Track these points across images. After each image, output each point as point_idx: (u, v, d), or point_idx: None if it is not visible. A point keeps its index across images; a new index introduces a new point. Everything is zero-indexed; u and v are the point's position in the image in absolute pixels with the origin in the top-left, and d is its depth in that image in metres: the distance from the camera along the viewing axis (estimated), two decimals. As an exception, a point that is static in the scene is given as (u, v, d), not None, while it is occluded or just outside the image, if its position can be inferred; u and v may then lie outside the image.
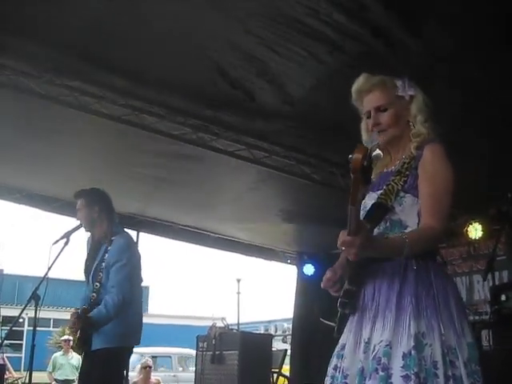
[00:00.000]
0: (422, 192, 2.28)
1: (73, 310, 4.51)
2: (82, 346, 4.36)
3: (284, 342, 17.18)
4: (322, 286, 2.36)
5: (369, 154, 1.91)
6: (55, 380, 11.02)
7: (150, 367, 10.58)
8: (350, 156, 1.89)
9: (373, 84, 2.42)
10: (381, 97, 2.40)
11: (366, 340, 2.21)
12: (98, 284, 4.29)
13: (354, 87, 2.47)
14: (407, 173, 2.32)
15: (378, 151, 2.00)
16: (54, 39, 4.65)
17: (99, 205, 4.46)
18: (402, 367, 2.07)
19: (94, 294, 4.28)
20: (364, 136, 2.49)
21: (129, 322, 4.31)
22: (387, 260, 2.24)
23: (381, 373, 2.09)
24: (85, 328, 4.17)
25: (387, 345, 2.12)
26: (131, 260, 4.38)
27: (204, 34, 4.40)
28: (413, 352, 2.08)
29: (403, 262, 2.23)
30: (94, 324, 4.15)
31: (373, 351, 2.16)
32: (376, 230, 2.30)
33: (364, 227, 2.05)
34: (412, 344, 2.09)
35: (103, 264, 4.30)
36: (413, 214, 2.28)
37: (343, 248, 2.07)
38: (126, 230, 4.70)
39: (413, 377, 2.04)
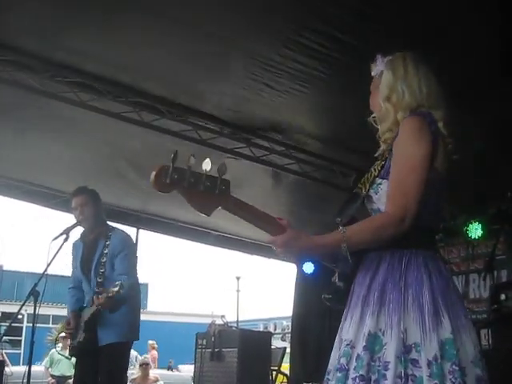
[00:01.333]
0: (390, 174, 2.06)
1: (72, 313, 4.49)
2: (87, 342, 4.31)
3: (283, 340, 17.18)
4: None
5: (166, 172, 1.81)
6: (51, 376, 11.03)
7: (148, 364, 10.62)
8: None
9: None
10: (372, 82, 2.30)
11: (343, 339, 2.09)
12: (101, 278, 4.30)
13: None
14: (386, 156, 2.13)
15: (206, 160, 1.83)
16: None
17: (100, 202, 4.57)
18: (353, 369, 1.94)
19: (100, 288, 4.29)
20: None
21: (135, 312, 4.43)
22: (366, 252, 2.09)
23: (338, 374, 1.99)
24: (109, 304, 4.10)
25: (348, 344, 2.00)
26: (135, 252, 4.59)
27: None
28: (362, 353, 1.94)
29: (378, 253, 2.06)
30: (115, 305, 4.14)
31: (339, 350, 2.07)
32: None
33: (287, 226, 1.98)
34: (363, 344, 1.95)
35: (104, 258, 4.32)
36: None
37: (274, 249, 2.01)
38: (125, 227, 4.85)
39: (357, 380, 1.91)
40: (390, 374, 1.87)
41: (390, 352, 1.90)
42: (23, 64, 5.10)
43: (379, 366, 1.90)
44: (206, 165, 1.82)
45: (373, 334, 1.95)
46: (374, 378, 1.90)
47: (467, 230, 7.28)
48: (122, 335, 4.27)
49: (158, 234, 9.34)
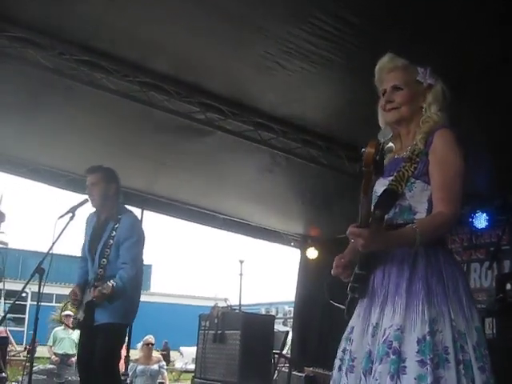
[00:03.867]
0: (433, 178, 2.28)
1: (73, 285, 4.56)
2: (86, 321, 4.39)
3: (285, 324, 17.31)
4: (332, 273, 2.40)
5: (381, 148, 1.95)
6: (55, 354, 11.13)
7: (152, 344, 10.65)
8: (363, 149, 1.95)
9: (395, 65, 2.47)
10: (399, 76, 2.45)
11: (374, 324, 2.23)
12: (104, 260, 4.32)
13: (378, 66, 2.52)
14: (417, 159, 2.33)
15: (390, 144, 2.03)
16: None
17: (115, 183, 4.54)
18: (416, 352, 2.09)
19: (101, 270, 4.33)
20: (380, 115, 2.53)
21: (133, 299, 4.42)
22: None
23: (392, 356, 2.12)
24: (103, 298, 4.15)
25: (398, 329, 2.15)
26: (142, 239, 4.51)
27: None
28: (428, 338, 2.11)
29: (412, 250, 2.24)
30: (113, 297, 4.16)
31: (383, 335, 2.18)
32: (385, 217, 2.30)
33: (374, 219, 2.09)
34: (427, 330, 2.11)
35: (111, 241, 4.32)
36: (422, 200, 2.31)
37: (352, 239, 2.11)
38: (130, 208, 4.80)
39: (429, 362, 2.07)
40: (451, 357, 2.10)
41: (447, 338, 2.13)
42: (30, 40, 5.07)
43: (437, 350, 2.11)
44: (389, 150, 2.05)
45: (432, 321, 2.14)
46: (435, 361, 2.09)
47: (473, 220, 7.25)
48: (116, 317, 4.29)
49: (163, 216, 9.32)
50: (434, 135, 2.33)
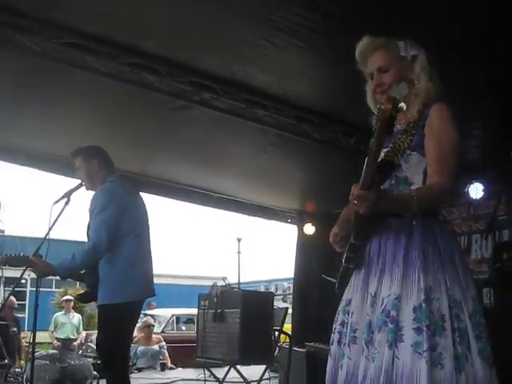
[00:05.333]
0: (429, 151, 2.32)
1: None
2: (84, 298, 4.38)
3: (284, 301, 17.38)
4: (330, 240, 2.43)
5: (396, 105, 1.95)
6: (56, 339, 11.19)
7: (153, 325, 10.71)
8: (379, 107, 1.98)
9: (375, 46, 2.47)
10: (382, 58, 2.45)
11: (373, 294, 2.25)
12: (88, 239, 4.22)
13: (357, 49, 2.51)
14: (413, 132, 2.36)
15: (402, 104, 2.01)
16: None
17: (98, 158, 4.37)
18: (413, 320, 2.13)
19: None
20: (369, 97, 2.55)
21: (121, 275, 4.06)
22: (394, 216, 2.28)
23: (390, 325, 2.15)
24: (41, 272, 4.05)
25: (396, 298, 2.17)
26: (108, 205, 4.09)
27: None
28: (423, 305, 2.13)
29: (409, 218, 2.27)
30: (55, 271, 4.01)
31: (381, 305, 2.20)
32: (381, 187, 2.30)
33: (377, 181, 2.09)
34: (422, 297, 2.14)
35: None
36: (418, 172, 2.33)
37: (355, 201, 2.09)
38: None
39: (425, 329, 2.10)
40: (447, 325, 2.14)
41: (444, 306, 2.16)
42: (19, 25, 5.01)
43: (434, 317, 2.14)
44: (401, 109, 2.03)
45: (428, 289, 2.17)
46: (432, 328, 2.12)
47: (468, 190, 7.27)
48: (106, 296, 4.07)
49: (158, 197, 9.30)
50: (430, 109, 2.35)
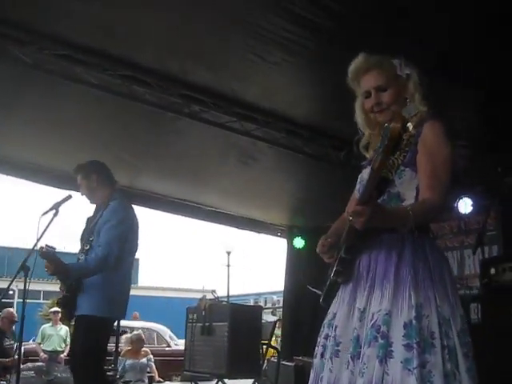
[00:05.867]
0: (421, 166, 2.33)
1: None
2: (64, 307, 4.34)
3: (273, 314, 17.34)
4: (317, 250, 2.42)
5: (405, 124, 1.95)
6: (43, 351, 11.09)
7: (142, 341, 10.65)
8: (386, 125, 1.96)
9: (371, 64, 2.46)
10: (380, 77, 2.45)
11: (362, 309, 2.25)
12: (87, 245, 4.24)
13: (352, 67, 2.50)
14: (406, 149, 2.28)
15: (409, 124, 2.00)
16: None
17: (96, 173, 4.46)
18: (403, 336, 2.13)
19: (83, 255, 4.22)
20: (359, 115, 2.55)
21: (114, 291, 4.19)
22: (385, 232, 2.29)
23: (380, 340, 2.14)
24: (57, 272, 4.09)
25: (386, 313, 2.17)
26: (124, 222, 4.28)
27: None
28: (414, 322, 2.13)
29: (401, 235, 2.28)
30: (68, 270, 4.10)
31: (371, 320, 2.20)
32: None
33: (375, 197, 2.08)
34: (413, 314, 2.14)
35: (96, 227, 4.26)
36: (411, 188, 2.34)
37: (350, 217, 2.10)
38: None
39: (415, 345, 2.10)
40: (437, 342, 2.13)
41: (433, 323, 2.16)
42: (11, 36, 5.01)
43: (423, 335, 2.13)
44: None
45: (419, 305, 2.17)
46: (421, 345, 2.11)
47: (457, 205, 7.30)
48: (95, 308, 4.11)
49: (148, 209, 9.28)
50: (423, 126, 2.34)
